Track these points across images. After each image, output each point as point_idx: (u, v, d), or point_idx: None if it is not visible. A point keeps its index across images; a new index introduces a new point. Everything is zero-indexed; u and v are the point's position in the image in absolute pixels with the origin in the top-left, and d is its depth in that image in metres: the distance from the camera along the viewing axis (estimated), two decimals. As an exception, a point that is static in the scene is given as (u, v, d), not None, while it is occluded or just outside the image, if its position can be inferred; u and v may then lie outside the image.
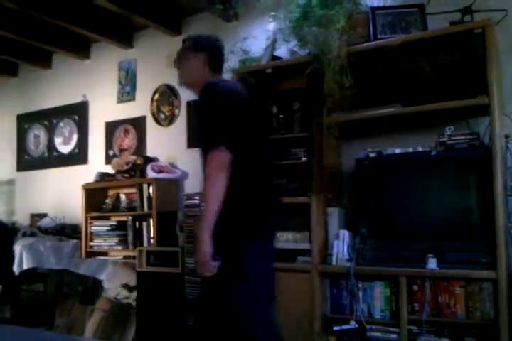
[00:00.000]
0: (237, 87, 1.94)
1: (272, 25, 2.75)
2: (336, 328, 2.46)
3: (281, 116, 2.89)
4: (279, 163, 2.70)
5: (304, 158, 2.70)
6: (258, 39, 2.96)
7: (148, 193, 3.60)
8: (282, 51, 2.88)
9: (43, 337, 2.05)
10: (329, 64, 2.44)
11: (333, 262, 2.53)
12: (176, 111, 3.84)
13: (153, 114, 3.95)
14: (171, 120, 3.86)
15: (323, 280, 2.57)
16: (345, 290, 2.49)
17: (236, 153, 1.76)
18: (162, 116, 3.91)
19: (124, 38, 4.03)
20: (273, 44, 2.77)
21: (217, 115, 1.78)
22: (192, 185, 3.55)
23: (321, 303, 2.55)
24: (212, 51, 2.00)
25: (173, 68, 3.83)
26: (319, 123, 2.59)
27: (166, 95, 3.90)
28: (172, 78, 3.84)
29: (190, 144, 3.71)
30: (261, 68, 2.83)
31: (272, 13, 2.68)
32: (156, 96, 3.94)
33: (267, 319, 1.87)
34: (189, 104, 3.74)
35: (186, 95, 3.75)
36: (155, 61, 3.96)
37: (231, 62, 2.89)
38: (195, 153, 3.63)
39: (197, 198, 3.32)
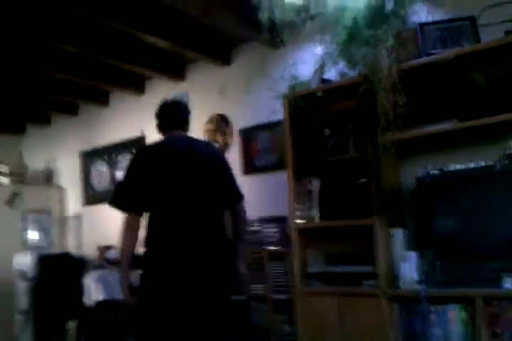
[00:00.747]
0: (152, 148, 2.26)
1: (319, 49, 2.76)
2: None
3: (334, 138, 2.88)
4: (336, 185, 2.67)
5: (362, 180, 2.66)
6: (306, 63, 2.99)
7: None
8: (331, 74, 2.89)
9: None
10: (380, 83, 2.42)
11: (402, 285, 2.44)
12: (230, 140, 3.91)
13: (207, 144, 4.04)
14: (225, 148, 3.94)
15: (392, 305, 2.48)
16: (416, 314, 2.39)
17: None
18: (217, 145, 3.99)
19: (176, 72, 4.19)
20: (322, 67, 2.79)
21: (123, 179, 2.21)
22: (249, 211, 3.56)
23: (391, 329, 2.46)
24: (156, 115, 2.35)
25: (224, 98, 3.95)
26: (374, 143, 2.55)
27: (218, 124, 3.99)
28: (224, 107, 3.94)
29: (245, 171, 3.76)
30: (311, 92, 2.85)
31: (319, 37, 2.70)
32: (210, 126, 4.04)
33: None
34: (242, 131, 3.81)
35: (239, 123, 3.84)
36: (206, 92, 4.08)
37: (281, 88, 2.94)
38: (251, 180, 3.71)
39: (256, 224, 3.33)
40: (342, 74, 2.77)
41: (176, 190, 2.13)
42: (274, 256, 3.14)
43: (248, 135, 3.78)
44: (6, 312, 4.44)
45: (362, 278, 2.61)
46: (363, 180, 2.65)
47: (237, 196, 2.33)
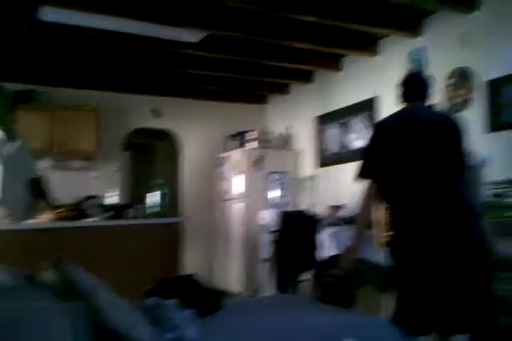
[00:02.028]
0: (391, 119, 2.35)
1: None
2: None
3: None
4: None
5: None
6: None
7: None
8: None
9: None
10: None
11: None
12: (473, 94, 3.57)
13: (448, 100, 3.77)
14: (467, 103, 3.62)
15: None
16: None
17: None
18: (458, 100, 3.70)
19: (412, 27, 3.99)
20: None
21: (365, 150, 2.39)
22: (494, 172, 3.22)
23: None
24: (401, 85, 2.44)
25: (467, 49, 3.60)
26: None
27: (460, 78, 3.68)
28: (466, 60, 3.61)
29: (491, 128, 3.40)
30: None
31: None
32: (451, 80, 3.76)
33: None
34: (489, 83, 3.43)
35: (483, 75, 3.47)
36: (446, 45, 3.79)
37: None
38: (497, 137, 3.34)
39: (504, 186, 3.01)
40: None
41: (417, 161, 2.20)
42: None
43: (496, 87, 3.38)
44: (253, 259, 5.09)
45: None
46: None
47: (463, 165, 2.28)
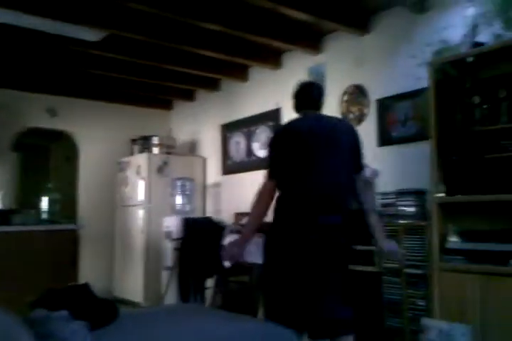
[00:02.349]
0: (294, 124, 2.38)
1: (471, 11, 2.57)
2: None
3: (484, 106, 2.68)
4: (486, 156, 2.50)
5: (515, 151, 2.45)
6: (455, 27, 2.81)
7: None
8: (482, 37, 2.67)
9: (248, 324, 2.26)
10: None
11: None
12: (366, 110, 3.85)
13: (342, 114, 4.03)
14: (360, 119, 3.89)
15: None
16: None
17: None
18: (351, 115, 3.97)
19: (313, 44, 4.21)
20: (474, 29, 2.60)
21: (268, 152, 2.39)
22: (384, 183, 3.49)
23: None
24: (293, 95, 2.49)
25: (362, 68, 3.88)
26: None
27: (354, 95, 3.94)
28: (360, 78, 3.88)
29: (381, 142, 3.68)
30: (461, 57, 2.68)
31: (470, -1, 2.51)
32: (345, 97, 4.02)
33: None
34: (379, 101, 3.72)
35: (376, 93, 3.75)
36: (343, 63, 4.05)
37: (426, 55, 2.80)
38: (387, 151, 3.63)
39: (391, 197, 3.26)
40: (497, 36, 2.55)
41: (318, 158, 2.26)
42: (410, 229, 3.06)
43: (385, 105, 3.68)
44: (154, 267, 4.99)
45: (509, 257, 2.44)
46: (517, 151, 2.44)
47: (361, 165, 2.42)
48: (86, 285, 2.07)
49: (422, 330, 2.71)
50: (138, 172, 5.33)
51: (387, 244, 2.37)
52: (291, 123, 2.41)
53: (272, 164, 2.32)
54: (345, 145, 2.32)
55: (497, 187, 2.54)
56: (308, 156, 2.26)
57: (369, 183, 2.66)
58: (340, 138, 2.31)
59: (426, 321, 2.73)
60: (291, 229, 2.23)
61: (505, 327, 2.41)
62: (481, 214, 2.72)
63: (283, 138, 2.35)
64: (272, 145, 2.37)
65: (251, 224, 2.32)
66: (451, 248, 2.72)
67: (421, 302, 2.90)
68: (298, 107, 2.48)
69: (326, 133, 2.29)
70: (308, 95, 2.45)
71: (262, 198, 2.28)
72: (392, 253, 2.40)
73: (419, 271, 2.93)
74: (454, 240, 2.74)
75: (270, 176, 2.29)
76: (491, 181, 2.59)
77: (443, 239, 2.76)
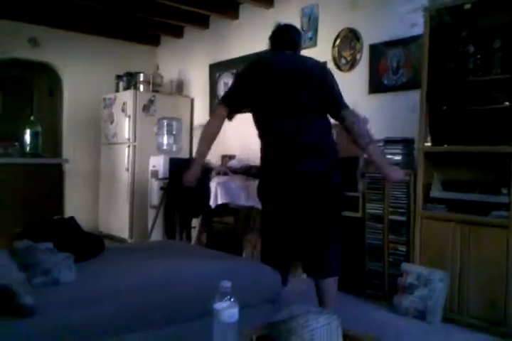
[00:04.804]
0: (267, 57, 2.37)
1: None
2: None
3: (478, 56, 2.64)
4: (476, 108, 2.49)
5: (506, 103, 2.45)
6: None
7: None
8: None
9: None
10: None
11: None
12: (358, 56, 3.77)
13: (334, 59, 3.94)
14: (352, 65, 3.82)
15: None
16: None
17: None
18: (343, 61, 3.88)
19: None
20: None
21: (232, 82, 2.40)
22: (372, 131, 3.48)
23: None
24: (269, 37, 2.43)
25: (357, 11, 3.74)
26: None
27: (348, 39, 3.84)
28: (355, 21, 3.76)
29: (372, 89, 3.64)
30: (458, 3, 2.60)
31: None
32: (338, 40, 3.91)
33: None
34: (372, 46, 3.63)
35: (369, 38, 3.65)
36: (338, 5, 3.90)
37: (422, 0, 2.71)
38: (377, 99, 3.60)
39: (379, 145, 3.28)
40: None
41: (281, 94, 2.21)
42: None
43: (378, 51, 3.60)
44: (141, 205, 5.06)
45: (490, 208, 2.51)
46: (507, 103, 2.44)
47: (341, 104, 2.31)
48: (72, 219, 2.10)
49: (402, 274, 2.82)
50: (123, 110, 5.24)
51: (392, 169, 2.31)
52: (265, 57, 2.38)
53: (231, 91, 2.31)
54: (321, 84, 2.25)
55: (484, 138, 2.57)
56: (280, 92, 2.21)
57: (364, 119, 2.60)
58: (315, 77, 2.24)
59: (406, 266, 2.84)
60: (270, 173, 2.30)
61: (481, 275, 2.52)
62: (466, 165, 2.76)
63: (254, 70, 2.31)
64: (239, 75, 2.40)
65: (198, 146, 2.37)
66: (435, 196, 2.78)
67: (402, 248, 2.96)
68: (274, 47, 2.41)
69: (301, 71, 2.23)
70: (286, 35, 2.39)
71: (210, 121, 2.34)
72: (396, 176, 2.33)
73: (401, 218, 2.96)
74: (437, 189, 2.80)
75: (222, 101, 2.30)
76: (477, 132, 2.62)
77: (427, 187, 2.82)
